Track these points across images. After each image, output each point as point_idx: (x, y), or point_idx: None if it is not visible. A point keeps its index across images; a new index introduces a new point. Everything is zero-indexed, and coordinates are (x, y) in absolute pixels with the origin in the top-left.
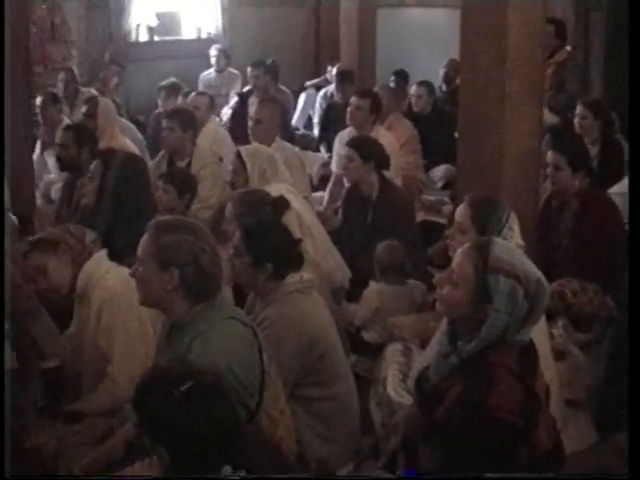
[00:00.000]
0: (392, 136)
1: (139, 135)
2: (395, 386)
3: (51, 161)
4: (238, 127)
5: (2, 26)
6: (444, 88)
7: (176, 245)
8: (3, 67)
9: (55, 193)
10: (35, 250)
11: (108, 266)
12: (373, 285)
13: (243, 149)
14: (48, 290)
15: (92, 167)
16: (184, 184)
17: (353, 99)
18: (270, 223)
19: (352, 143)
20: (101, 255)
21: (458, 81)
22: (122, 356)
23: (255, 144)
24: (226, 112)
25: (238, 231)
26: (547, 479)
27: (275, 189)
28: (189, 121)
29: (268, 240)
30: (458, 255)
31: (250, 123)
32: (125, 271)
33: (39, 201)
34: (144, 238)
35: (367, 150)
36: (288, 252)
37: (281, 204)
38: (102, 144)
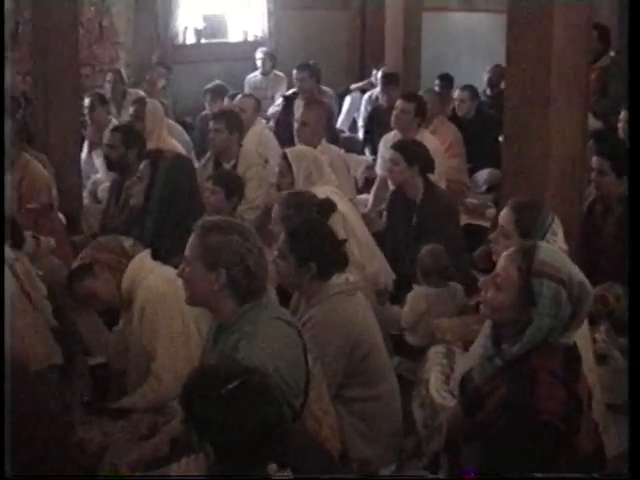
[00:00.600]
0: (436, 140)
1: (186, 137)
2: (438, 388)
3: (98, 161)
4: (283, 129)
5: (2, 26)
6: (488, 92)
7: (223, 246)
8: (3, 67)
9: (102, 193)
10: (76, 280)
11: (151, 266)
12: (418, 288)
13: (289, 151)
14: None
15: (141, 167)
16: (232, 186)
17: (398, 102)
18: (314, 224)
19: (397, 146)
20: (143, 256)
21: (502, 85)
22: (165, 354)
23: (301, 146)
24: (271, 114)
25: (283, 233)
26: (547, 479)
27: (321, 191)
28: (235, 123)
29: (312, 241)
30: (503, 259)
31: (296, 125)
32: (168, 270)
33: (86, 200)
34: (191, 238)
35: (412, 153)
36: (332, 253)
37: (327, 206)
38: (150, 145)
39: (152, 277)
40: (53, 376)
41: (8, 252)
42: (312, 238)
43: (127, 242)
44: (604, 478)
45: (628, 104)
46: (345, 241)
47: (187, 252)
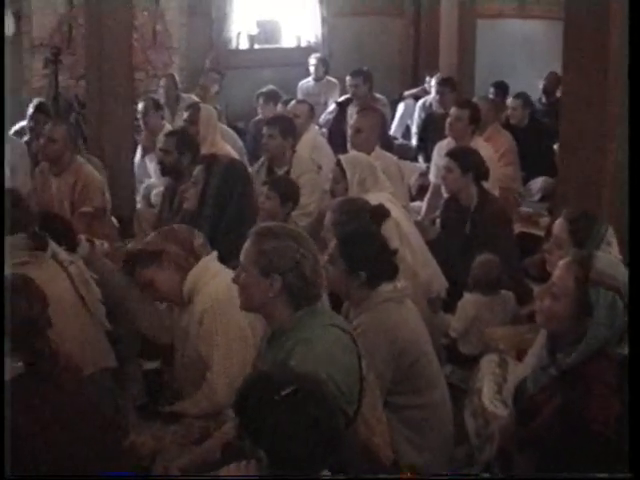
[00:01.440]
0: (490, 147)
1: (239, 142)
2: (490, 397)
3: (152, 165)
4: (336, 135)
5: (2, 26)
6: (543, 100)
7: (278, 252)
8: (3, 67)
9: (155, 197)
10: (139, 264)
11: (216, 270)
12: (469, 296)
13: (343, 157)
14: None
15: (195, 172)
16: (287, 192)
17: (453, 110)
18: (366, 232)
19: (452, 154)
20: (209, 259)
21: (558, 93)
22: (221, 364)
23: (355, 153)
24: (324, 120)
25: (334, 239)
26: (547, 479)
27: (375, 198)
28: (289, 129)
29: (363, 249)
30: (559, 268)
31: (350, 132)
32: (230, 275)
33: (139, 205)
34: (246, 244)
35: (466, 161)
36: (382, 262)
37: (380, 213)
38: (203, 150)
39: (214, 284)
40: (106, 379)
41: (63, 255)
42: (363, 246)
43: (198, 240)
44: (604, 478)
45: (629, 103)
46: (396, 251)
47: (242, 258)
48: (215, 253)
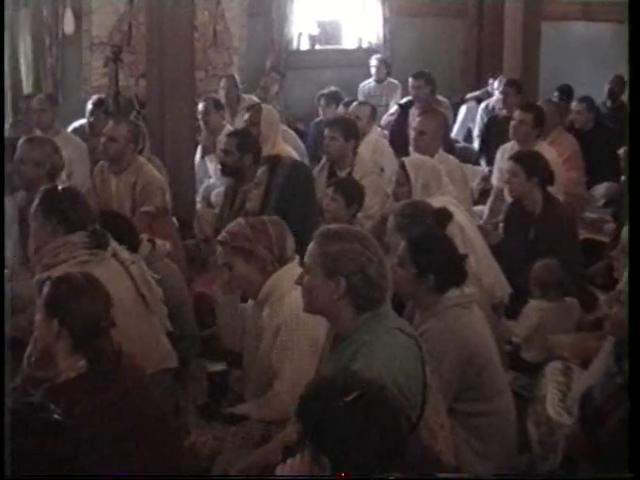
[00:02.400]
0: (555, 151)
1: (300, 143)
2: (555, 405)
3: (212, 166)
4: (398, 138)
5: (2, 25)
6: (609, 104)
7: (343, 254)
8: (3, 66)
9: (215, 198)
10: (225, 247)
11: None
12: (533, 302)
13: (407, 160)
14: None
15: (259, 173)
16: (352, 194)
17: (517, 113)
18: (437, 236)
19: (516, 157)
20: (292, 267)
21: (624, 97)
22: (292, 377)
23: (419, 155)
24: (386, 122)
25: (403, 242)
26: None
27: (438, 201)
28: (351, 130)
29: (434, 253)
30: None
31: (412, 134)
32: None
33: (199, 205)
34: (311, 246)
35: (532, 165)
36: (452, 266)
37: (444, 216)
38: (265, 151)
39: (295, 295)
40: (167, 379)
41: (125, 254)
42: (434, 250)
43: (289, 242)
44: (605, 478)
45: (629, 102)
46: (466, 256)
47: (307, 260)
48: (297, 259)
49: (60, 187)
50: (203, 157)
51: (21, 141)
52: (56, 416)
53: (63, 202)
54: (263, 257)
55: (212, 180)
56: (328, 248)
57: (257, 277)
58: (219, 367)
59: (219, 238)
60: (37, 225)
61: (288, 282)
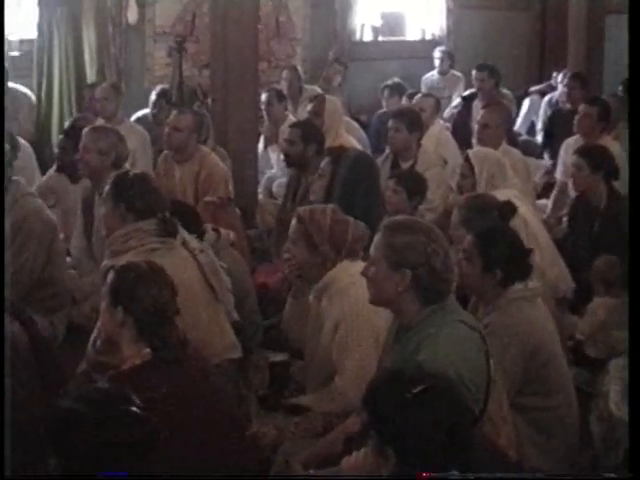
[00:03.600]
0: (620, 146)
1: (362, 134)
2: (618, 401)
3: (274, 156)
4: (461, 130)
5: (2, 25)
6: None
7: (408, 246)
8: (3, 65)
9: (277, 188)
10: (299, 224)
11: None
12: (600, 300)
13: (472, 153)
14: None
15: (323, 164)
16: (415, 186)
17: (581, 107)
18: (504, 230)
19: (581, 151)
20: (353, 263)
21: None
22: (354, 372)
23: (484, 148)
24: (449, 115)
25: (469, 235)
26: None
27: (503, 195)
28: (415, 122)
29: (501, 246)
30: None
31: (476, 127)
32: None
33: (261, 195)
34: (376, 238)
35: (597, 159)
36: (519, 261)
37: (508, 209)
38: (328, 142)
39: (354, 292)
40: (231, 370)
41: (194, 243)
42: (501, 244)
43: (360, 242)
44: (605, 478)
45: (629, 102)
46: (531, 250)
47: (372, 251)
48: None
49: (131, 173)
50: (265, 148)
51: (86, 130)
52: (134, 408)
53: (133, 188)
54: (325, 254)
55: (274, 171)
56: (394, 240)
57: (318, 268)
58: (280, 357)
59: (299, 211)
60: (107, 210)
61: (348, 277)
